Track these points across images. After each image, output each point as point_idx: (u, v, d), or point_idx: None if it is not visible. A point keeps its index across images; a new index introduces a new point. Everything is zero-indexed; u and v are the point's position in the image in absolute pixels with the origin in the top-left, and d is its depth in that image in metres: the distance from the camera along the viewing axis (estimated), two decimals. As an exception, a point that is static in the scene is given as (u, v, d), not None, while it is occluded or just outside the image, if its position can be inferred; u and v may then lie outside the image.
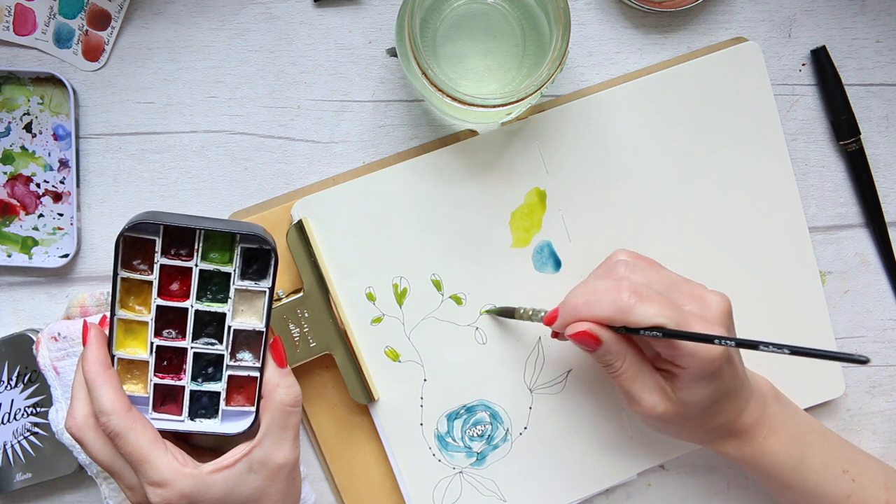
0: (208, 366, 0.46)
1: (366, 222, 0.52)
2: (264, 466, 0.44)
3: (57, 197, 0.53)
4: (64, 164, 0.53)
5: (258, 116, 0.53)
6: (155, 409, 0.46)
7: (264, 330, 0.45)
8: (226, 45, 0.52)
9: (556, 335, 0.48)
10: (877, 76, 0.54)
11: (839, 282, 0.56)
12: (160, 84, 0.53)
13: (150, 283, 0.44)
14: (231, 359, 0.46)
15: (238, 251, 0.44)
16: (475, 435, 0.54)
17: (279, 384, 0.45)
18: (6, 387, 0.53)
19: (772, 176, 0.54)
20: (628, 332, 0.43)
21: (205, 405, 0.46)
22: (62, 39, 0.52)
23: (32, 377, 0.53)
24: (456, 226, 0.52)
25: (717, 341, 0.41)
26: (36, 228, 0.53)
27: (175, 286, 0.44)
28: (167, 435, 0.45)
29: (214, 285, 0.45)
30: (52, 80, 0.52)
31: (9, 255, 0.53)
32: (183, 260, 0.44)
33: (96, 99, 0.52)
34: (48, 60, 0.52)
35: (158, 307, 0.44)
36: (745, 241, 0.54)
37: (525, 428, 0.54)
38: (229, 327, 0.45)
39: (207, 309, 0.45)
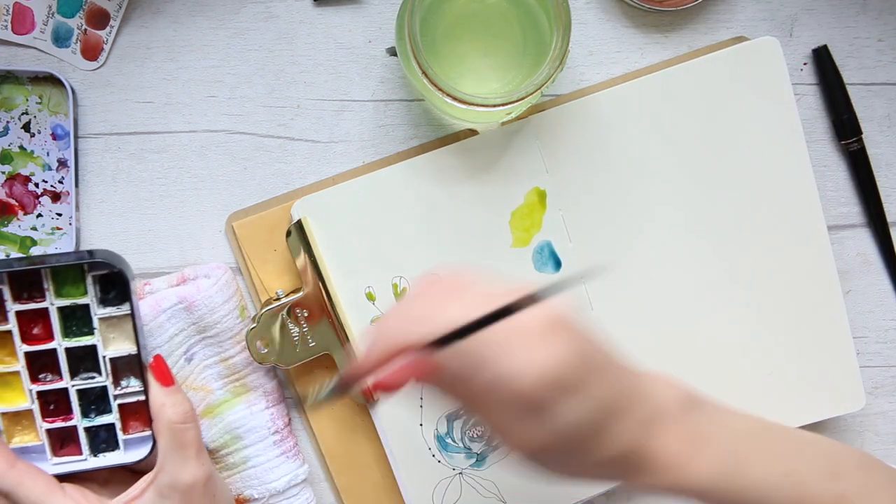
0: (96, 399, 0.45)
1: (366, 222, 0.52)
2: (174, 490, 0.43)
3: (55, 197, 0.53)
4: (63, 163, 0.53)
5: (258, 116, 0.53)
6: (55, 453, 0.45)
7: (138, 353, 0.44)
8: (225, 44, 0.52)
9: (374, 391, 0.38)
10: (879, 75, 0.54)
11: (841, 282, 0.55)
12: (159, 83, 0.52)
13: (10, 332, 0.43)
14: (116, 387, 0.45)
15: (90, 280, 0.43)
16: (475, 436, 0.53)
17: (164, 403, 0.44)
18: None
19: (789, 174, 0.53)
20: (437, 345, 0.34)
21: (104, 439, 0.45)
22: (61, 38, 0.52)
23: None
24: (456, 225, 0.52)
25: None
26: (34, 228, 0.53)
27: (37, 329, 0.44)
28: (91, 473, 0.45)
29: (77, 319, 0.44)
30: (51, 80, 0.52)
31: (7, 256, 0.53)
32: (36, 302, 0.43)
33: (95, 98, 0.52)
34: (47, 60, 0.52)
35: (26, 353, 0.44)
36: (747, 240, 0.53)
37: (525, 428, 0.53)
38: (104, 357, 0.44)
39: (77, 345, 0.44)
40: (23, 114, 0.52)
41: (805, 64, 0.54)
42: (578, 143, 0.52)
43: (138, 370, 0.45)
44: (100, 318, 0.44)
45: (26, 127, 0.52)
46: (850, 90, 0.54)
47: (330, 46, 0.52)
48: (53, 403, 0.45)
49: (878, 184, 0.55)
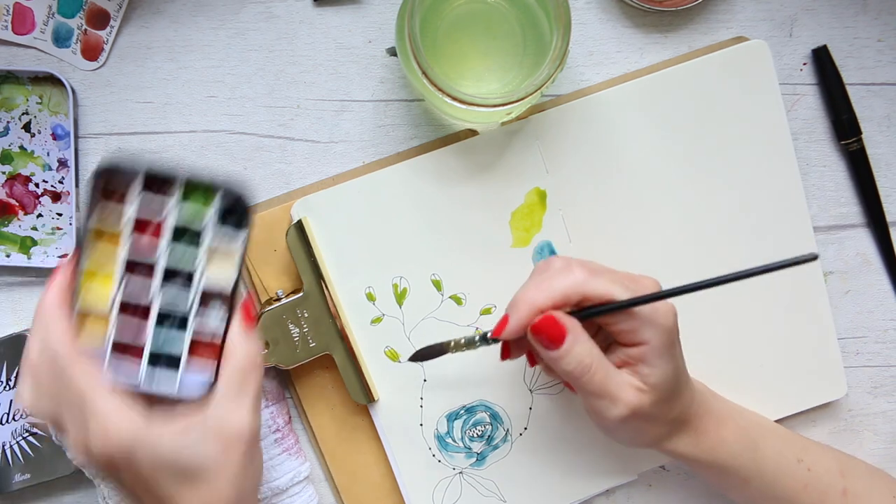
0: (172, 323, 0.43)
1: (366, 222, 0.52)
2: (219, 432, 0.41)
3: (56, 197, 0.53)
4: (63, 163, 0.53)
5: (257, 116, 0.53)
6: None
7: (232, 288, 0.42)
8: (225, 44, 0.52)
9: (506, 354, 0.46)
10: (878, 75, 0.54)
11: (840, 282, 0.55)
12: (159, 83, 0.52)
13: (117, 234, 0.41)
14: (197, 316, 0.43)
15: (213, 205, 0.41)
16: (475, 435, 0.53)
17: (239, 343, 0.42)
18: (5, 387, 0.53)
19: (777, 175, 0.53)
20: (585, 317, 0.43)
21: (164, 364, 0.43)
22: (61, 39, 0.52)
23: (31, 377, 0.52)
24: (456, 226, 0.52)
25: (672, 297, 0.42)
26: (35, 228, 0.53)
27: (144, 239, 0.42)
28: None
29: (185, 240, 0.42)
30: (51, 80, 0.52)
31: (7, 255, 0.53)
32: (155, 211, 0.41)
33: (95, 98, 0.52)
34: (47, 60, 0.52)
35: (124, 260, 0.41)
36: (748, 240, 0.53)
37: (525, 428, 0.54)
38: (198, 283, 0.42)
39: (176, 265, 0.42)
40: (23, 114, 0.52)
41: (805, 64, 0.54)
42: (578, 142, 0.52)
43: (226, 305, 0.43)
44: (209, 246, 0.42)
45: (26, 127, 0.52)
46: (850, 90, 0.54)
47: (330, 46, 0.52)
48: (131, 313, 0.42)
49: (878, 184, 0.55)
